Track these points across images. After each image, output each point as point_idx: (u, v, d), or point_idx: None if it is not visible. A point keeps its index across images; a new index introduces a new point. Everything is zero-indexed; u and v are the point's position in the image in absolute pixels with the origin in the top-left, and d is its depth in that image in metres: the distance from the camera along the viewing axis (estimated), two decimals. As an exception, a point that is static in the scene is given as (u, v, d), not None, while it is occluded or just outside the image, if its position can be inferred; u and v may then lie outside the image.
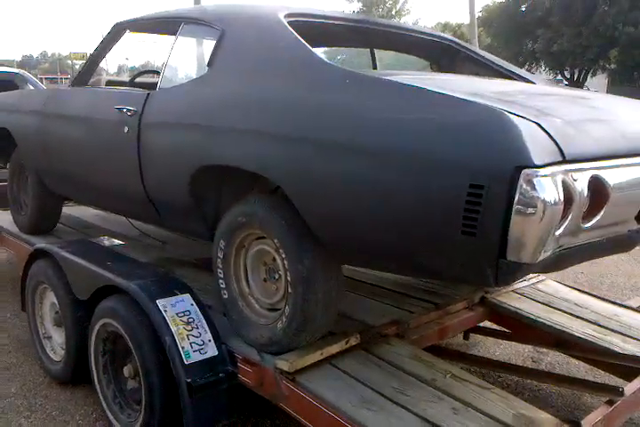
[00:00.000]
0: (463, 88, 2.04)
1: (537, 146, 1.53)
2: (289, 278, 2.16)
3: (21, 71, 7.83)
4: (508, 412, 2.06)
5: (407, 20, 61.22)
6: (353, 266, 2.58)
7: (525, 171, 1.47)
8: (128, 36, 3.29)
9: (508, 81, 2.83)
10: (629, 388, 2.29)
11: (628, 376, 2.49)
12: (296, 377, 2.16)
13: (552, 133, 1.60)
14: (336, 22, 2.69)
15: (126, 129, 2.74)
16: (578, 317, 2.92)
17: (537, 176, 1.48)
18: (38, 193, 3.89)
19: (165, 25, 3.00)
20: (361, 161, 1.79)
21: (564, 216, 1.57)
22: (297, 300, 2.15)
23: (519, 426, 1.97)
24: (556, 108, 1.87)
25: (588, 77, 33.74)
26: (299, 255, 2.11)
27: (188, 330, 2.35)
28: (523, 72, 3.05)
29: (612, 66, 31.60)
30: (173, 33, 2.85)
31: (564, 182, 1.54)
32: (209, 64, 2.46)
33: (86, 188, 3.35)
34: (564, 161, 1.58)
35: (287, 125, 2.03)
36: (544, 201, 1.48)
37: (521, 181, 1.47)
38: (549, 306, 3.02)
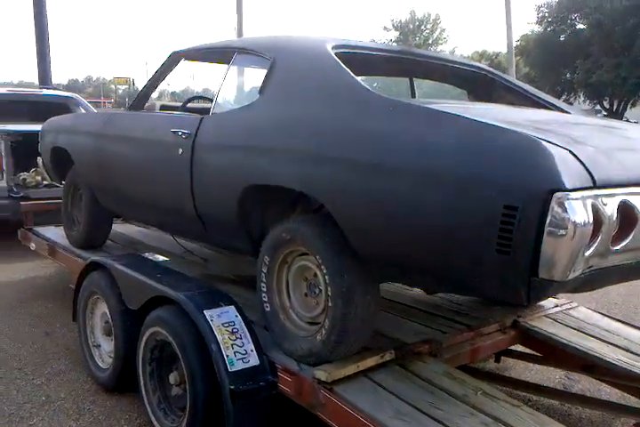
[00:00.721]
0: (499, 116, 2.18)
1: (568, 171, 1.65)
2: (329, 293, 2.30)
3: (74, 95, 8.23)
4: (537, 428, 2.14)
5: (444, 49, 61.71)
6: (391, 281, 2.68)
7: (557, 194, 1.60)
8: (183, 64, 3.53)
9: (542, 110, 2.96)
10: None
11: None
12: (334, 387, 2.28)
13: (583, 160, 1.73)
14: (378, 53, 2.87)
15: (180, 151, 2.95)
16: (609, 342, 2.97)
17: (568, 199, 1.60)
18: (91, 209, 4.12)
19: (220, 54, 3.21)
20: (402, 182, 1.94)
21: (593, 238, 1.68)
22: (336, 313, 2.28)
23: None
24: (589, 137, 1.99)
25: (628, 108, 33.45)
26: (339, 271, 2.25)
27: (232, 339, 2.49)
28: (557, 102, 3.17)
29: (653, 97, 31.38)
30: (227, 62, 3.07)
31: (593, 206, 1.66)
32: (260, 91, 2.65)
33: (139, 204, 3.56)
34: (595, 186, 1.70)
35: (332, 148, 2.19)
36: (574, 223, 1.60)
37: (553, 203, 1.60)
38: (581, 331, 3.08)
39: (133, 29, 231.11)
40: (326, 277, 2.30)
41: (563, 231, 1.60)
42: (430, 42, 59.72)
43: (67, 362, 3.62)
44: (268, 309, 2.60)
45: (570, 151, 1.74)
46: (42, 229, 5.01)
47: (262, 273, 2.60)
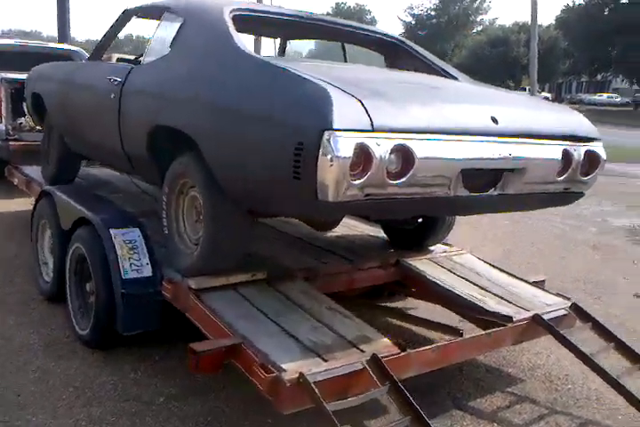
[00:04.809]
0: (331, 73, 2.60)
1: (345, 115, 2.08)
2: (203, 217, 2.78)
3: (79, 49, 8.72)
4: (355, 333, 2.62)
5: (484, 19, 60.42)
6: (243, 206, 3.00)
7: (327, 132, 2.03)
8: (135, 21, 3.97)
9: (399, 72, 3.41)
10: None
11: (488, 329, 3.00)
12: (201, 294, 2.78)
13: (369, 109, 2.15)
14: (280, 17, 3.28)
15: (112, 95, 3.42)
16: (470, 282, 3.41)
17: (335, 137, 2.03)
18: (59, 149, 4.64)
19: (158, 12, 3.64)
20: (234, 123, 2.40)
21: (364, 171, 2.11)
22: (208, 234, 2.77)
23: (355, 341, 2.53)
24: (393, 93, 2.40)
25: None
26: (210, 198, 2.73)
27: (130, 254, 3.01)
28: (450, 68, 3.55)
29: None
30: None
31: (362, 145, 2.08)
32: (170, 46, 3.11)
33: (89, 144, 4.06)
34: (372, 130, 2.13)
35: (204, 96, 2.66)
36: (337, 156, 2.03)
37: (323, 139, 2.03)
38: (452, 272, 3.52)
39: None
40: (202, 203, 2.78)
41: (329, 162, 2.04)
42: (470, 12, 58.59)
43: (26, 277, 4.21)
44: (166, 232, 3.10)
45: (360, 101, 2.16)
46: (25, 168, 5.57)
47: (163, 202, 3.08)
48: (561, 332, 2.99)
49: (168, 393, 2.91)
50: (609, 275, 5.42)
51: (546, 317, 3.06)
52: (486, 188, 2.61)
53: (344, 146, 2.05)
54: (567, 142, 2.79)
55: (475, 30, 59.67)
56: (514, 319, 2.97)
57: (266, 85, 2.40)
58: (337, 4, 71.53)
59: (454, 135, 2.37)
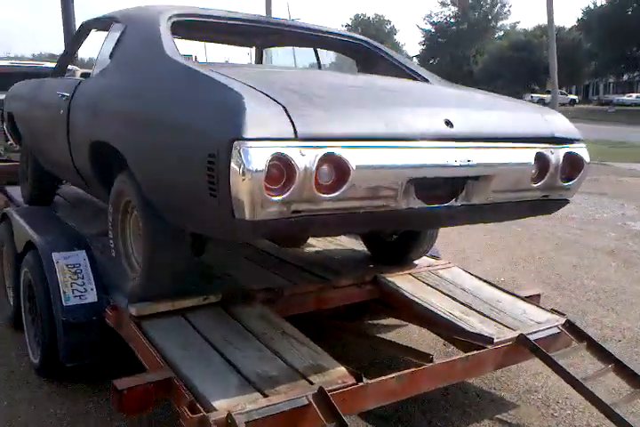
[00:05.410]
0: (266, 79, 2.36)
1: (260, 123, 1.83)
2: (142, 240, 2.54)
3: (74, 67, 8.64)
4: (308, 362, 2.34)
5: (505, 24, 59.82)
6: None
7: (237, 142, 1.78)
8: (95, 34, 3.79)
9: (359, 76, 3.16)
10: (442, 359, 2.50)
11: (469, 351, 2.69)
12: (141, 321, 2.53)
13: (292, 115, 1.89)
14: (226, 21, 3.05)
15: (62, 111, 3.23)
16: (454, 298, 3.10)
17: (246, 147, 1.78)
18: (34, 168, 4.47)
19: (108, 23, 3.45)
20: (156, 133, 2.17)
21: (286, 184, 1.85)
22: (145, 256, 2.54)
23: (306, 371, 2.25)
24: (327, 97, 2.14)
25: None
26: (145, 217, 2.49)
27: (73, 279, 2.79)
28: (422, 71, 3.27)
29: None
30: (111, 30, 3.31)
31: (282, 156, 1.82)
32: (110, 56, 2.91)
33: (50, 162, 3.88)
34: (296, 138, 1.86)
35: (131, 108, 2.45)
36: (248, 168, 1.77)
37: (234, 150, 1.78)
38: (435, 288, 3.21)
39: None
40: (140, 224, 2.55)
41: (241, 176, 1.78)
42: (490, 17, 58.06)
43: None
44: (113, 253, 2.87)
45: (283, 107, 1.90)
46: (10, 188, 5.44)
47: (109, 222, 2.86)
48: (549, 354, 2.66)
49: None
50: (625, 284, 5.02)
51: (533, 336, 2.74)
52: (446, 198, 2.32)
53: (257, 157, 1.79)
54: (542, 145, 2.49)
55: (496, 35, 59.03)
56: (495, 341, 2.66)
57: (184, 93, 2.18)
58: (356, 15, 71.60)
59: (399, 141, 2.09)
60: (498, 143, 2.34)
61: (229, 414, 1.93)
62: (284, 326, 2.63)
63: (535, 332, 2.79)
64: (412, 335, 3.78)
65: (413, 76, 3.23)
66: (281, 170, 1.84)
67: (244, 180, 1.78)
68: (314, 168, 1.88)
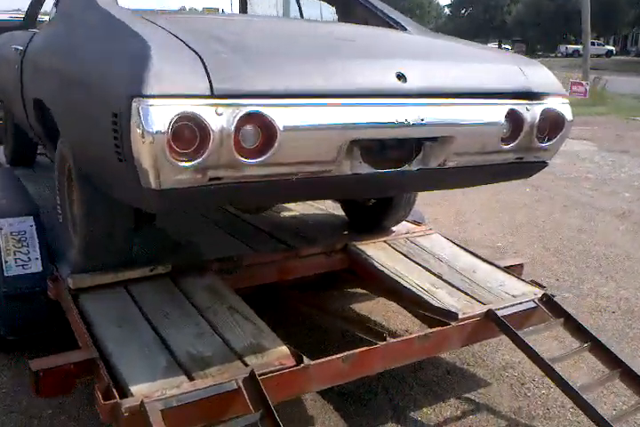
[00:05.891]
0: (196, 27, 2.10)
1: (168, 77, 1.60)
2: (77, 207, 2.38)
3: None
4: (249, 340, 2.18)
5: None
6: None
7: (135, 99, 1.56)
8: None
9: (318, 24, 2.87)
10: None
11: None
12: (80, 294, 2.38)
13: (210, 68, 1.65)
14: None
15: (16, 66, 3.04)
16: (427, 269, 2.89)
17: (146, 105, 1.55)
18: (11, 126, 4.32)
19: None
20: (76, 90, 1.96)
21: (199, 148, 1.63)
22: (82, 225, 2.37)
23: (243, 351, 2.09)
24: (260, 48, 1.89)
25: None
26: (79, 184, 2.31)
27: (17, 247, 2.64)
28: (402, 19, 2.96)
29: None
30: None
31: (191, 115, 1.60)
32: (55, 5, 2.68)
33: (19, 120, 3.71)
34: (213, 95, 1.64)
35: (57, 63, 2.23)
36: (148, 130, 1.56)
37: (133, 109, 1.56)
38: (408, 257, 3.01)
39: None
40: (77, 190, 2.37)
41: (141, 139, 1.57)
42: (525, -38, 55.21)
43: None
44: (60, 220, 2.72)
45: (201, 58, 1.67)
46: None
47: (56, 187, 2.69)
48: (522, 330, 2.46)
49: (57, 405, 2.56)
50: (631, 250, 4.74)
51: (504, 311, 2.54)
52: (400, 163, 2.08)
53: (158, 117, 1.57)
54: (516, 101, 2.22)
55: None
56: (460, 316, 2.46)
57: (102, 45, 1.95)
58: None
59: (338, 98, 1.84)
60: (461, 99, 2.08)
61: (142, 402, 1.78)
62: (233, 300, 2.45)
63: (507, 306, 2.58)
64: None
65: (391, 24, 2.92)
66: (193, 132, 1.62)
67: (144, 143, 1.57)
68: (232, 129, 1.65)
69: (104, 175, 1.99)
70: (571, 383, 2.25)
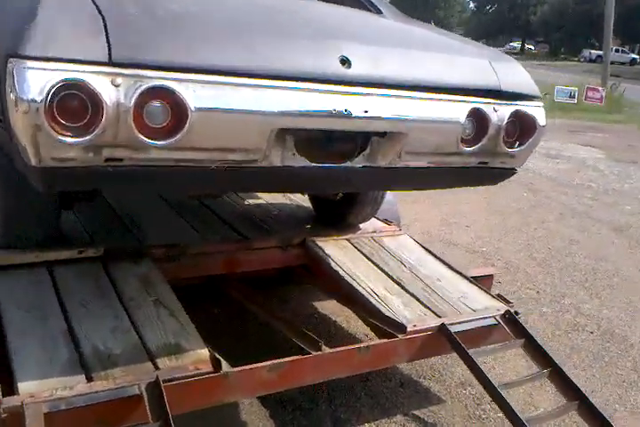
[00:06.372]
0: None
1: (56, 37, 1.36)
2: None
3: None
4: (168, 339, 1.97)
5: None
6: None
7: (12, 60, 1.33)
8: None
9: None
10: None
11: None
12: (-4, 271, 2.18)
13: (111, 33, 1.42)
14: None
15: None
16: (386, 273, 2.67)
17: (22, 67, 1.33)
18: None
19: None
20: None
21: (91, 122, 1.40)
22: (8, 203, 2.17)
23: (158, 352, 1.89)
24: (182, 15, 1.61)
25: None
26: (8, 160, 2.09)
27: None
28: (379, 1, 2.69)
29: None
30: None
31: (80, 83, 1.37)
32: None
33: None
34: (110, 63, 1.41)
35: None
36: (21, 96, 1.32)
37: (8, 71, 1.33)
38: (367, 258, 2.78)
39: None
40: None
41: (14, 106, 1.34)
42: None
43: None
44: None
45: (104, 21, 1.42)
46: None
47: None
48: (470, 349, 2.23)
49: None
50: (622, 266, 4.48)
51: (459, 327, 2.32)
52: (341, 158, 1.85)
53: (36, 82, 1.33)
54: (482, 99, 1.98)
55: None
56: (408, 329, 2.24)
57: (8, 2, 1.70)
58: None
59: (267, 79, 1.60)
60: (414, 92, 1.83)
61: (22, 403, 1.58)
62: (162, 292, 2.24)
63: (464, 322, 2.36)
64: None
65: (366, 5, 2.66)
66: (83, 104, 1.39)
67: (17, 111, 1.34)
68: (131, 104, 1.42)
69: (4, 144, 1.77)
70: (519, 414, 2.02)
